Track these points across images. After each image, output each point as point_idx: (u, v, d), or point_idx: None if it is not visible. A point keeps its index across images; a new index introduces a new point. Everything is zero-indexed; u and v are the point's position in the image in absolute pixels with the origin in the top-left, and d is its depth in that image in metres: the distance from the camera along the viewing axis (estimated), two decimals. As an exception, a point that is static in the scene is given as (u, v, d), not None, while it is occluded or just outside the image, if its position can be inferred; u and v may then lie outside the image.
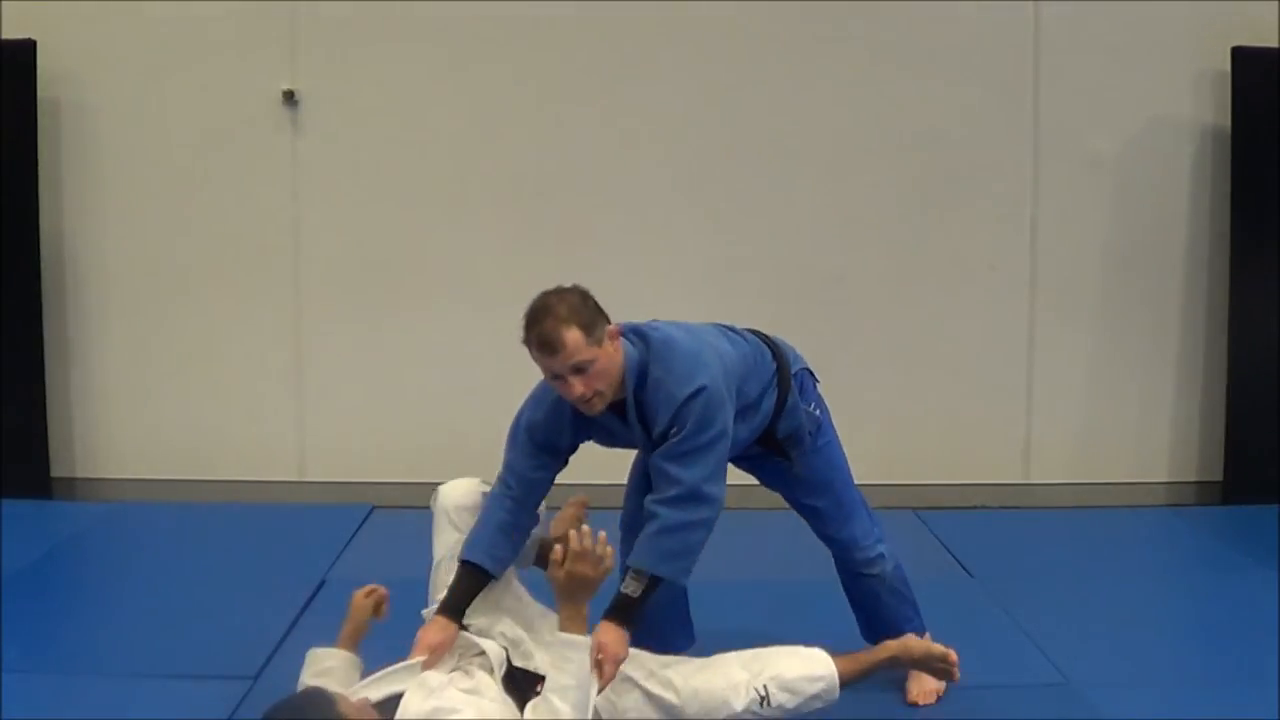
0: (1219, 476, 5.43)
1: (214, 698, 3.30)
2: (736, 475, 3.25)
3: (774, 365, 3.20)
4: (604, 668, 2.81)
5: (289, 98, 5.27)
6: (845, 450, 3.41)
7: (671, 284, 5.19)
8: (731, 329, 3.27)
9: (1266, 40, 5.21)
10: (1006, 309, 5.41)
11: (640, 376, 2.96)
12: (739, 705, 2.98)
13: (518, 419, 3.12)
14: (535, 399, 3.11)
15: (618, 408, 2.99)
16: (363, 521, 4.96)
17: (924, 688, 3.37)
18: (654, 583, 2.91)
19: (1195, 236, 5.45)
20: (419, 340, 5.35)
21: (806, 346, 3.91)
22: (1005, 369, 5.43)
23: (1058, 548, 4.79)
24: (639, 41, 5.30)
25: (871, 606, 3.44)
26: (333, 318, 5.37)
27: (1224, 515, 5.24)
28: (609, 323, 2.95)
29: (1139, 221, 5.44)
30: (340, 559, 4.51)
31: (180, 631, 3.77)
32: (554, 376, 2.90)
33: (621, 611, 2.89)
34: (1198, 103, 5.37)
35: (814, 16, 5.27)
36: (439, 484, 3.30)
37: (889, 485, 5.30)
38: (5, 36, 5.11)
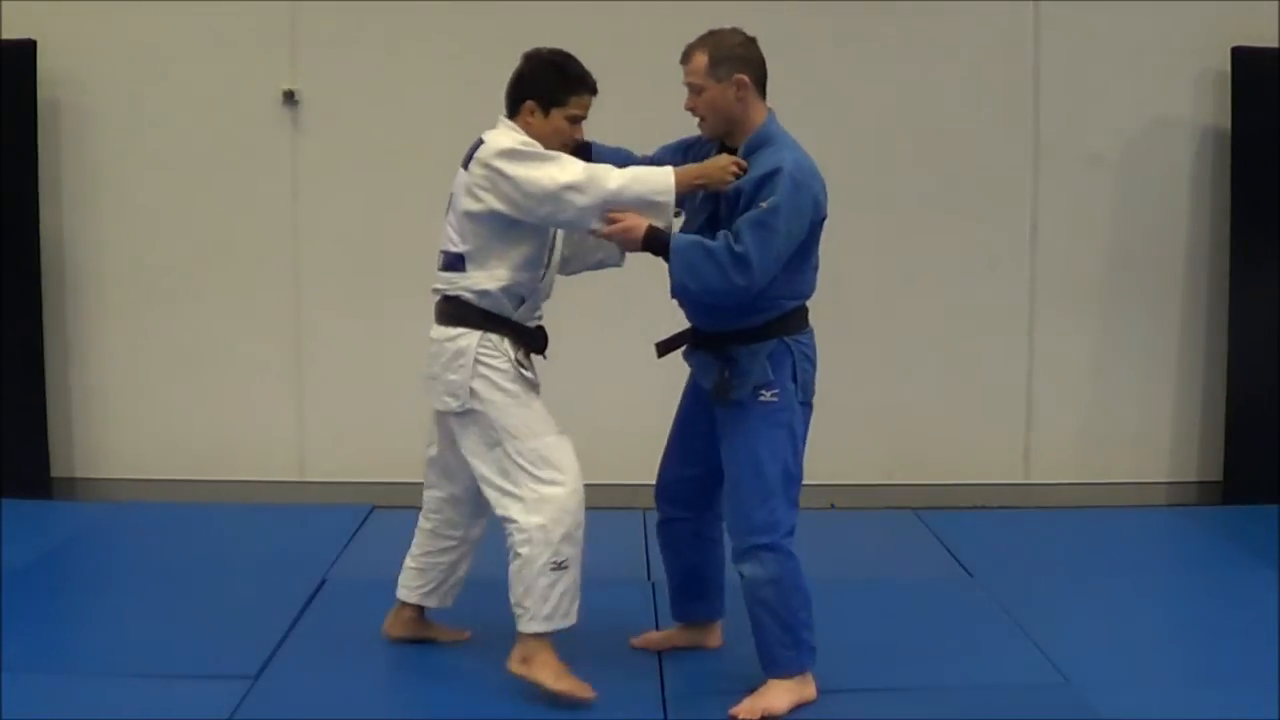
0: (1219, 476, 5.43)
1: (214, 698, 3.30)
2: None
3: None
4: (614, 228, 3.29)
5: (289, 98, 5.27)
6: (824, 446, 3.30)
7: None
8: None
9: (1266, 40, 5.21)
10: (1006, 309, 5.40)
11: (759, 144, 3.25)
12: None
13: None
14: None
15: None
16: (363, 521, 4.96)
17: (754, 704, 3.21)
18: (662, 252, 3.22)
19: (1195, 236, 5.44)
20: (419, 340, 5.31)
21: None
22: (1005, 369, 5.43)
23: (1058, 548, 4.79)
24: (639, 42, 5.28)
25: (749, 611, 3.28)
26: (332, 318, 5.37)
27: (1224, 515, 5.23)
28: (750, 77, 3.25)
29: (1139, 221, 5.44)
30: (340, 559, 4.51)
31: (180, 631, 3.77)
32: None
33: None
34: (1198, 103, 5.37)
35: (813, 17, 5.26)
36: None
37: (889, 485, 5.30)
38: (5, 36, 5.11)
